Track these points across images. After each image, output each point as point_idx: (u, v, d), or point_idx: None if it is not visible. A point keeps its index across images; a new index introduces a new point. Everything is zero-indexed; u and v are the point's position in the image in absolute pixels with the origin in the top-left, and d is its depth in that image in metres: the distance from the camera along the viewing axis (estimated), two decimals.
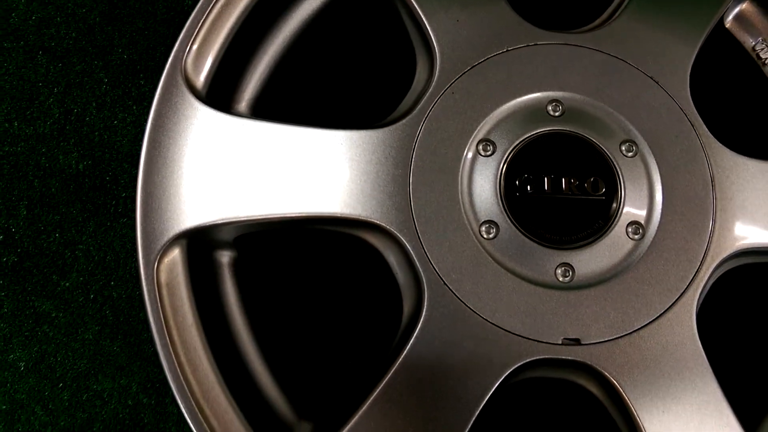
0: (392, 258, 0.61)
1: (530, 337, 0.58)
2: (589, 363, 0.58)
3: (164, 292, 0.58)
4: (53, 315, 0.76)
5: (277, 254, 0.73)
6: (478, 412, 0.56)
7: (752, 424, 0.62)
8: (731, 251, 0.59)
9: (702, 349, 0.58)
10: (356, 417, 0.56)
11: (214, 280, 0.63)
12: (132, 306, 0.76)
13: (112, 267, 0.76)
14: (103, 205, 0.78)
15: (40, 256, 0.77)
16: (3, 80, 0.79)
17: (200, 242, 0.62)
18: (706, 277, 0.59)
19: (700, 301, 0.60)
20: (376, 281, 0.69)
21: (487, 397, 0.57)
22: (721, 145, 0.61)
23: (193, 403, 0.55)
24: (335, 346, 0.72)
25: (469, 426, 0.56)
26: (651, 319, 0.58)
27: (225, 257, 0.64)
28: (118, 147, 0.78)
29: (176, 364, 0.56)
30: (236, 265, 0.65)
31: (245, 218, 0.58)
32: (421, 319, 0.57)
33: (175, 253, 0.59)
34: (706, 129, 0.62)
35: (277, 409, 0.63)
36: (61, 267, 0.77)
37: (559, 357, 0.58)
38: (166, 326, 0.57)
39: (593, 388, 0.60)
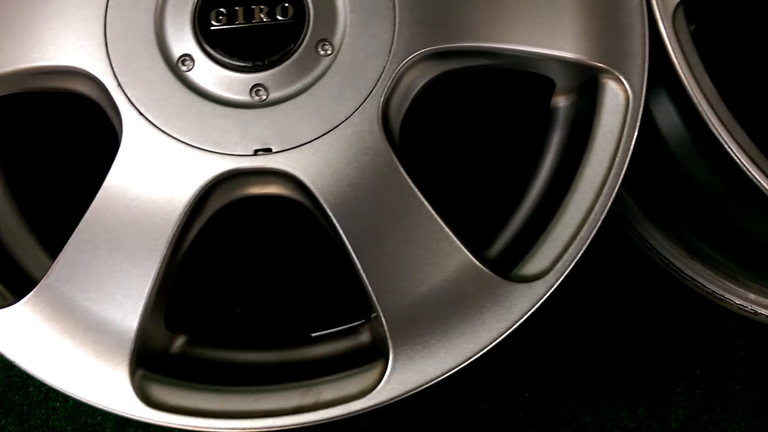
0: (101, 101, 0.65)
1: (224, 152, 0.61)
2: (282, 168, 0.61)
3: None
4: None
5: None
6: (175, 231, 0.60)
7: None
8: (414, 54, 0.63)
9: (388, 146, 0.62)
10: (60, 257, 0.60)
11: None
12: None
13: None
14: None
15: None
16: None
17: None
18: (390, 81, 0.62)
19: (396, 107, 0.64)
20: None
21: (185, 213, 0.60)
22: None
23: None
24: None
25: (167, 246, 0.60)
26: (336, 125, 0.62)
27: None
28: None
29: None
30: None
31: None
32: (118, 152, 0.61)
33: None
34: None
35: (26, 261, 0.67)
36: None
37: (253, 166, 0.61)
38: None
39: (300, 197, 0.64)
